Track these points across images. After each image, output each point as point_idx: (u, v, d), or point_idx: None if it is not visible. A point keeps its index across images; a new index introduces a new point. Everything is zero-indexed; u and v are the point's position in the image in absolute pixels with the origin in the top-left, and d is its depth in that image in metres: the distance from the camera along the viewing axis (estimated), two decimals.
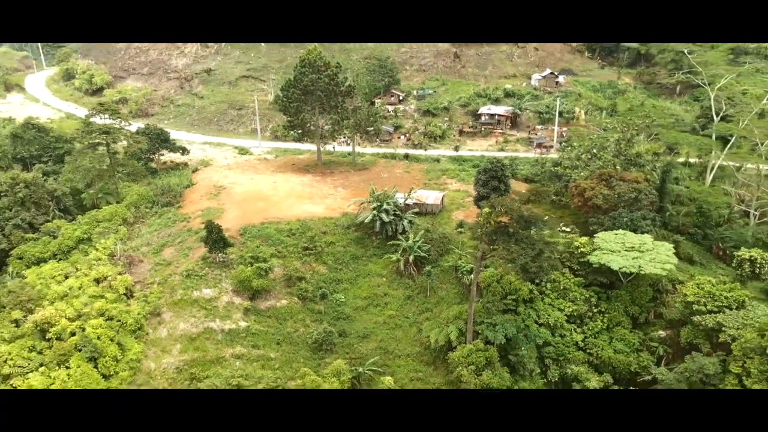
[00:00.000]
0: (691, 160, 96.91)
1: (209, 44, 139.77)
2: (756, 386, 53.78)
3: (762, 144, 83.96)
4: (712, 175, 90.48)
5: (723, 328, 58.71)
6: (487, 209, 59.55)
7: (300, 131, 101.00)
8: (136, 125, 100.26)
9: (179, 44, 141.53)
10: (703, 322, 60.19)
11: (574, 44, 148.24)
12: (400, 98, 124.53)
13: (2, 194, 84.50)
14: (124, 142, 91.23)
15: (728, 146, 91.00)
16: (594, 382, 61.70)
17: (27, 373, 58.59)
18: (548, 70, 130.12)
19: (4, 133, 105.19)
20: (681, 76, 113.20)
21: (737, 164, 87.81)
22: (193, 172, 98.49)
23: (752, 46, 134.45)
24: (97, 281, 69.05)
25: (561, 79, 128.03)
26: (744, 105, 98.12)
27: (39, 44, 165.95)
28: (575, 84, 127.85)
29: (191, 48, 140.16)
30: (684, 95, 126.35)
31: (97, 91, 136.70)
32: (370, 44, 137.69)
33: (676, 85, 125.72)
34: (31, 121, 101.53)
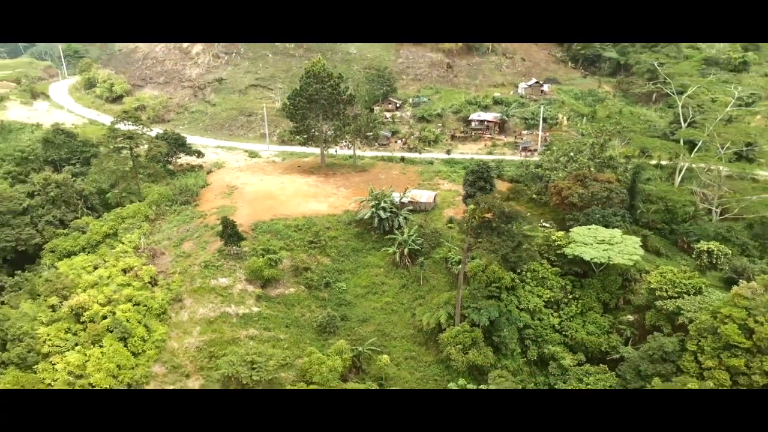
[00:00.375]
0: (663, 163, 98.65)
1: (220, 55, 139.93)
2: (708, 362, 57.06)
3: (722, 148, 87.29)
4: (680, 176, 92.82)
5: (682, 312, 61.49)
6: (472, 206, 63.13)
7: (305, 136, 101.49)
8: (155, 131, 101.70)
9: (192, 55, 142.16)
10: (665, 307, 63.01)
11: (558, 55, 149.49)
12: (397, 105, 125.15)
13: (35, 194, 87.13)
14: (145, 146, 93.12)
15: (695, 150, 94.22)
16: (569, 360, 64.29)
17: (64, 351, 61.27)
18: (534, 80, 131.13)
19: (36, 138, 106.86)
20: (651, 86, 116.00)
21: (703, 166, 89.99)
22: (208, 173, 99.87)
23: (722, 57, 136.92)
24: (125, 271, 71.53)
25: (546, 87, 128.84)
26: (711, 112, 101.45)
27: (61, 54, 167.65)
28: (559, 92, 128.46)
29: (204, 59, 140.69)
30: (659, 103, 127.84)
31: (117, 98, 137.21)
32: (369, 55, 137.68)
33: (652, 93, 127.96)
34: (60, 127, 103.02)
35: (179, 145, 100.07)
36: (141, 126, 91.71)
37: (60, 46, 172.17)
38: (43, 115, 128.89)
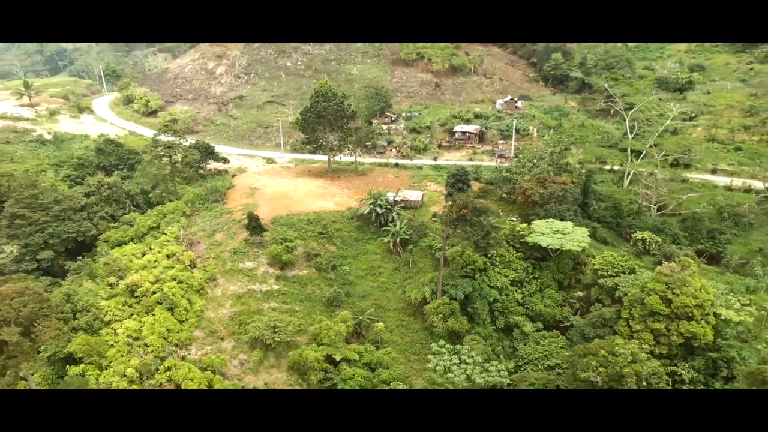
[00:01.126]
0: (615, 168, 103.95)
1: (240, 75, 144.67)
2: (637, 326, 63.44)
3: (659, 156, 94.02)
4: (629, 179, 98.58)
5: (618, 287, 68.42)
6: (450, 203, 70.38)
7: (314, 146, 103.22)
8: (189, 141, 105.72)
9: (216, 75, 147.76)
10: (606, 284, 69.87)
11: (531, 75, 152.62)
12: (392, 119, 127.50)
13: (91, 194, 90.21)
14: (181, 154, 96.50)
15: (641, 157, 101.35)
16: (529, 327, 70.31)
17: (123, 319, 67.32)
18: (509, 96, 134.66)
19: (86, 146, 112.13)
20: (602, 104, 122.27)
21: (644, 171, 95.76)
22: (233, 176, 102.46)
23: (672, 77, 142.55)
24: (168, 256, 76.91)
25: (519, 103, 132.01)
26: (656, 125, 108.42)
27: (101, 73, 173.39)
28: (531, 107, 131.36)
29: (226, 78, 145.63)
30: (617, 116, 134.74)
31: (152, 113, 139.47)
32: (368, 75, 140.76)
33: (610, 108, 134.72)
34: (109, 138, 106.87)
35: (208, 153, 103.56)
36: (178, 137, 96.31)
37: (101, 67, 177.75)
38: (89, 127, 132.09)
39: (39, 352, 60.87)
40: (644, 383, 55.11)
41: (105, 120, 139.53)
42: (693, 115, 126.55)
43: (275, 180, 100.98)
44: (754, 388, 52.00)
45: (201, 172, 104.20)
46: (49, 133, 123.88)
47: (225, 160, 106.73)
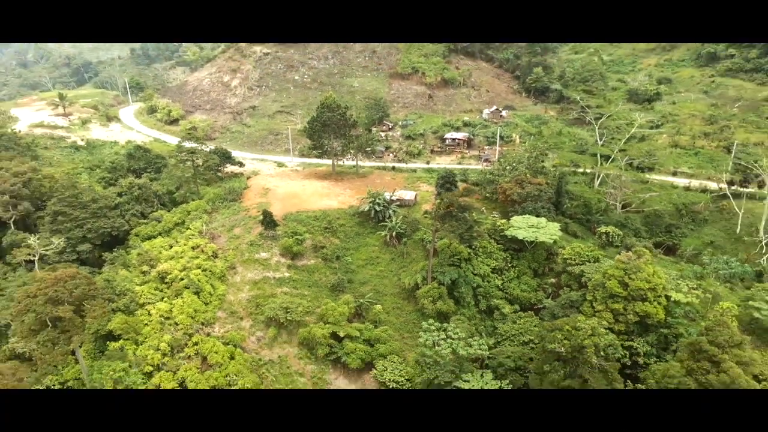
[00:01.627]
0: (588, 170, 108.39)
1: (253, 88, 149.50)
2: (599, 307, 68.52)
3: (623, 160, 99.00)
4: (599, 180, 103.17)
5: (584, 274, 72.82)
6: (438, 201, 75.61)
7: (320, 151, 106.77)
8: (208, 147, 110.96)
9: (231, 88, 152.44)
10: (573, 271, 74.35)
11: (515, 87, 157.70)
12: (390, 127, 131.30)
13: (123, 194, 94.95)
14: (202, 159, 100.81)
15: (609, 161, 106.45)
16: (507, 309, 74.57)
17: (155, 302, 72.23)
18: (495, 107, 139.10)
19: (116, 152, 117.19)
20: (574, 114, 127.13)
21: (610, 173, 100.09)
22: (247, 179, 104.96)
23: (641, 89, 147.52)
24: (193, 248, 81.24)
25: (504, 113, 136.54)
26: (624, 133, 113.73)
27: (126, 85, 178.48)
28: (514, 116, 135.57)
29: (240, 90, 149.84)
30: (591, 125, 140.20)
31: (174, 121, 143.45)
32: (368, 88, 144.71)
33: (584, 117, 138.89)
34: (139, 144, 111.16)
35: (226, 157, 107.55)
36: (199, 144, 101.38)
37: (125, 79, 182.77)
38: (117, 134, 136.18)
39: (86, 329, 66.14)
40: (602, 353, 60.48)
41: (131, 128, 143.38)
42: (659, 123, 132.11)
43: (285, 181, 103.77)
44: (693, 359, 57.43)
45: (220, 174, 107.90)
46: (82, 140, 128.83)
47: (240, 164, 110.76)
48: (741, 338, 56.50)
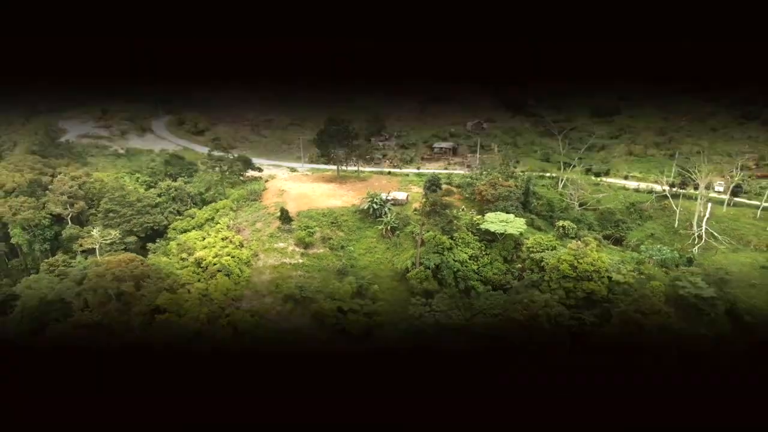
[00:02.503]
0: (553, 175, 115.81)
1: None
2: (554, 285, 76.99)
3: (580, 167, 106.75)
4: (562, 183, 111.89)
5: (543, 260, 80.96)
6: (424, 200, 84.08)
7: (327, 158, 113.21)
8: (232, 155, 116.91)
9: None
10: (535, 257, 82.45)
11: (495, 102, 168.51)
12: (386, 137, 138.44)
13: (161, 194, 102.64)
14: (227, 165, 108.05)
15: (570, 168, 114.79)
16: (482, 289, 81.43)
17: (194, 282, 79.98)
18: (477, 119, 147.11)
19: (152, 158, 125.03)
20: (542, 127, 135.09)
21: (570, 177, 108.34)
22: (265, 182, 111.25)
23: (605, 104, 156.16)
24: (223, 239, 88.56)
25: (485, 125, 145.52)
26: (584, 142, 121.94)
27: (158, 99, 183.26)
28: (494, 128, 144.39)
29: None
30: (560, 135, 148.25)
31: (200, 132, 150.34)
32: (368, 103, 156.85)
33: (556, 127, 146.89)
34: (174, 153, 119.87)
35: (247, 164, 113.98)
36: (226, 152, 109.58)
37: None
38: (151, 143, 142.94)
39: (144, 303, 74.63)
40: (553, 321, 69.48)
41: (163, 138, 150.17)
42: (618, 134, 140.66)
43: (297, 184, 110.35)
44: (623, 324, 66.25)
45: (242, 178, 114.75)
46: (122, 149, 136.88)
47: (259, 169, 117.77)
48: (660, 307, 65.55)
